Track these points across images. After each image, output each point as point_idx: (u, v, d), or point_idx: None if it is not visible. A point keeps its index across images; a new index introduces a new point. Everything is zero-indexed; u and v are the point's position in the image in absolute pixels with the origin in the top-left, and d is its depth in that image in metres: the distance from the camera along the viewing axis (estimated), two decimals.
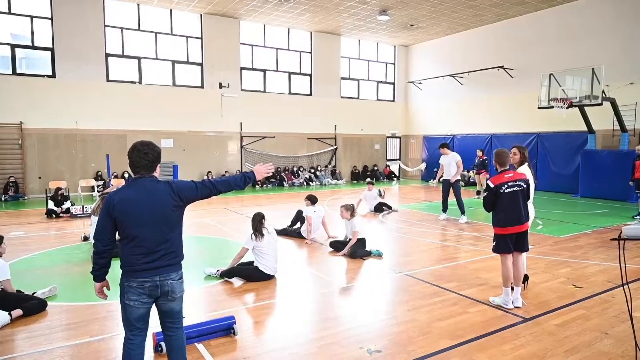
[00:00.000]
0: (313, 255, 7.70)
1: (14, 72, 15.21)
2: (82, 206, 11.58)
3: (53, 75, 15.74)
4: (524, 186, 4.85)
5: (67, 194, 12.35)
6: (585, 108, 14.21)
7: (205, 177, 10.38)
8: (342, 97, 22.08)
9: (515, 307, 4.87)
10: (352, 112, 22.21)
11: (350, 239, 7.53)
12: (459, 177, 10.64)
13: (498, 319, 4.59)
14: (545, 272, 5.99)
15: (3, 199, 14.50)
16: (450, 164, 10.60)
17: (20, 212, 12.68)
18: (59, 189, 11.95)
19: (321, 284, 6.07)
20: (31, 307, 5.01)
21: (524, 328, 4.36)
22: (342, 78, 22.05)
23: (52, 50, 15.66)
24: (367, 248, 7.51)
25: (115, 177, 15.51)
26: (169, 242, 3.08)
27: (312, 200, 8.91)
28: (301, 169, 20.82)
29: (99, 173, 16.40)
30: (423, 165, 22.65)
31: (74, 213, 11.37)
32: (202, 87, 18.53)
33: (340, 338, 4.23)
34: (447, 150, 10.88)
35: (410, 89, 23.88)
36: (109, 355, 3.94)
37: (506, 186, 4.78)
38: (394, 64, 23.78)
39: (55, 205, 11.56)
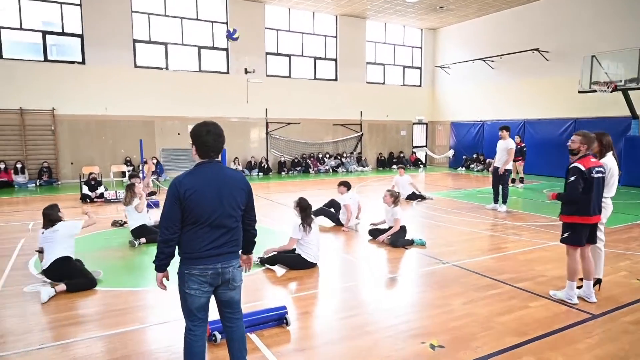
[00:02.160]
0: (352, 243, 7.54)
1: (45, 59, 15.32)
2: (116, 191, 11.65)
3: (83, 62, 15.80)
4: (605, 174, 4.53)
5: (100, 179, 12.43)
6: (630, 92, 13.55)
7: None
8: (367, 82, 21.68)
9: (591, 302, 4.58)
10: (377, 98, 21.82)
11: (391, 227, 7.32)
12: (509, 167, 9.95)
13: (564, 314, 4.35)
14: (605, 265, 5.69)
15: (38, 184, 14.73)
16: (503, 151, 9.84)
17: (54, 196, 12.83)
18: (91, 174, 12.03)
19: (365, 274, 5.91)
20: (79, 284, 5.10)
21: (595, 325, 4.12)
22: (367, 63, 21.62)
23: (81, 36, 15.69)
24: (408, 237, 7.31)
25: (145, 163, 15.58)
26: (234, 230, 3.00)
27: (347, 185, 8.72)
28: (327, 156, 20.61)
29: (128, 159, 16.51)
30: (451, 152, 22.19)
31: (108, 198, 11.45)
32: (227, 72, 18.40)
33: (397, 331, 4.06)
34: (506, 134, 9.94)
35: (438, 74, 23.29)
36: (159, 344, 3.86)
37: (595, 171, 4.38)
38: (421, 47, 23.19)
39: (89, 190, 11.66)
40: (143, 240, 7.17)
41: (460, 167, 21.28)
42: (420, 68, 23.31)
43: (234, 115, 18.59)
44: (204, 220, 2.86)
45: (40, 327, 4.22)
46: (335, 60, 20.79)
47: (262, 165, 18.74)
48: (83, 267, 5.47)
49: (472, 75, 21.22)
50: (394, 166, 21.69)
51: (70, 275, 5.19)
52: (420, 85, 23.40)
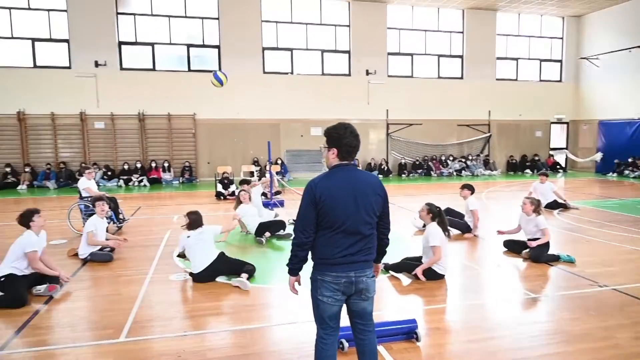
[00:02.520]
0: (481, 253, 6.91)
1: (189, 69, 17.06)
2: None
3: (219, 70, 17.21)
4: None
5: (232, 178, 13.38)
6: None
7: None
8: (497, 79, 20.07)
9: None
10: (508, 96, 20.08)
11: (535, 238, 6.49)
12: None
13: None
14: None
15: (181, 181, 16.46)
16: None
17: (193, 193, 14.20)
18: (224, 173, 13.00)
19: (502, 290, 5.31)
20: (251, 270, 5.58)
21: None
22: (497, 58, 20.03)
23: (218, 47, 17.14)
24: (551, 251, 6.44)
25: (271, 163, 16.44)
26: (368, 238, 2.83)
27: (471, 189, 8.09)
28: (450, 158, 19.58)
29: (256, 159, 17.58)
30: (599, 156, 19.43)
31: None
32: (349, 74, 18.54)
33: None
34: None
35: (583, 66, 20.60)
36: (287, 344, 3.85)
37: None
38: (562, 38, 20.75)
39: (222, 188, 12.62)
40: (267, 234, 7.47)
41: (611, 173, 18.50)
42: (560, 61, 20.88)
43: (354, 116, 18.61)
44: (338, 225, 2.73)
45: (182, 315, 4.53)
46: (462, 57, 19.64)
47: (382, 167, 18.49)
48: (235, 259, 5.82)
49: (626, 65, 18.33)
50: (527, 170, 19.79)
51: (230, 269, 5.54)
52: (560, 80, 20.96)
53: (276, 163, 17.28)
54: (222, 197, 12.41)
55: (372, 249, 2.88)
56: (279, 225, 7.95)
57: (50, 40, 15.85)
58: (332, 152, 2.86)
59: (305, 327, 4.17)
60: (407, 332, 4.00)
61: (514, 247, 6.81)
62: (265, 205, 10.84)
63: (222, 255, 5.68)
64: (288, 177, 17.06)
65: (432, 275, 5.52)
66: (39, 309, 4.67)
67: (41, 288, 4.98)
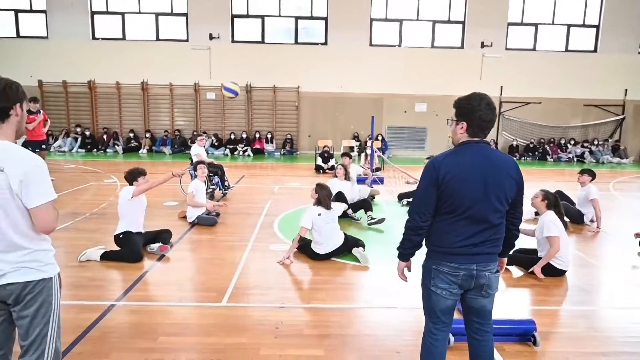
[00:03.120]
0: (609, 250, 5.97)
1: (296, 42, 17.17)
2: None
3: (325, 43, 17.11)
4: None
5: (332, 152, 13.32)
6: None
7: None
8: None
9: None
10: None
11: None
12: None
13: None
14: None
15: (282, 153, 16.89)
16: None
17: (294, 165, 14.46)
18: (325, 146, 12.97)
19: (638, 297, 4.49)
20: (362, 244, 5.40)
21: None
22: None
23: (326, 19, 16.95)
24: None
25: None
26: (496, 228, 2.44)
27: (592, 175, 7.18)
28: (571, 142, 17.48)
29: (356, 134, 17.33)
30: None
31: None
32: (461, 47, 17.23)
33: None
34: None
35: None
36: (385, 329, 3.59)
37: None
38: None
39: (322, 162, 12.63)
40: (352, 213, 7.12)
41: None
42: None
43: (463, 93, 17.14)
44: (462, 210, 2.36)
45: (280, 286, 4.51)
46: (597, 26, 17.14)
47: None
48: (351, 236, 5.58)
49: None
50: None
51: (349, 246, 5.35)
52: None
53: (377, 139, 16.86)
54: (321, 171, 12.43)
55: (499, 240, 2.47)
56: (362, 204, 7.23)
57: (172, 14, 16.94)
58: (460, 126, 2.47)
59: (407, 314, 3.89)
60: (522, 334, 3.54)
61: None
62: (363, 181, 10.60)
63: (346, 237, 5.37)
64: (388, 154, 16.59)
65: (551, 271, 4.85)
66: (152, 266, 4.98)
67: (154, 247, 5.31)
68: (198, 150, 8.63)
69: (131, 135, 16.85)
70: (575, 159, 16.89)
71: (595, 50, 17.28)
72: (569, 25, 17.19)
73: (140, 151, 16.26)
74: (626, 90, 17.39)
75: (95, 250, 5.11)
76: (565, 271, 4.90)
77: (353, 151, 16.06)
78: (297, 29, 17.10)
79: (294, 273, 4.91)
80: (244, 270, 4.87)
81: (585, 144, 17.39)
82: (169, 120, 17.38)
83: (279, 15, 17.01)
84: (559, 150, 17.31)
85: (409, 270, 2.69)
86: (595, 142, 17.39)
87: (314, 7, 16.94)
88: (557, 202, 5.08)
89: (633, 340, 3.64)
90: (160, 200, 8.28)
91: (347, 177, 7.52)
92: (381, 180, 10.89)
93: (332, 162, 12.64)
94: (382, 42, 17.20)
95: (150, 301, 4.14)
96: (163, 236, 5.59)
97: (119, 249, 5.21)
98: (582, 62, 17.13)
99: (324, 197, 5.30)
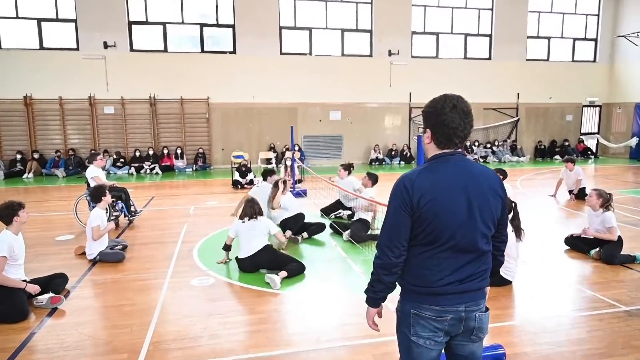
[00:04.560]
0: (539, 251, 6.05)
1: (202, 50, 16.19)
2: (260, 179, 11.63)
3: (234, 51, 16.35)
4: None
5: (250, 165, 12.60)
6: None
7: None
8: (527, 59, 18.89)
9: None
10: (539, 77, 18.90)
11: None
12: None
13: None
14: None
15: (194, 169, 15.73)
16: None
17: (208, 181, 13.46)
18: (242, 161, 12.22)
19: (583, 301, 4.47)
20: (294, 269, 5.06)
21: None
22: (528, 37, 18.80)
23: (233, 27, 16.21)
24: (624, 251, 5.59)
25: (289, 150, 15.61)
26: (485, 256, 2.03)
27: (504, 175, 7.44)
28: (475, 144, 18.59)
29: (272, 145, 16.76)
30: (634, 141, 18.28)
31: (257, 185, 11.47)
32: (370, 55, 17.51)
33: None
34: None
35: (619, 46, 19.28)
36: None
37: None
38: (598, 15, 19.41)
39: (240, 176, 11.86)
40: (305, 235, 6.63)
41: None
42: (595, 39, 19.57)
43: (375, 100, 17.68)
44: (445, 240, 1.91)
45: (210, 333, 3.76)
46: (490, 36, 18.47)
47: (405, 153, 17.57)
48: (286, 255, 5.42)
49: None
50: (557, 157, 18.73)
51: (277, 263, 5.11)
52: (594, 60, 19.69)
53: (294, 149, 16.43)
54: (239, 186, 11.65)
55: (488, 271, 2.06)
56: (298, 220, 6.72)
57: (57, 20, 15.05)
58: (426, 135, 2.04)
59: (367, 349, 3.39)
60: None
61: (580, 245, 5.95)
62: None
63: (269, 247, 5.24)
64: (306, 164, 16.23)
65: (498, 281, 4.70)
66: (40, 324, 3.94)
67: (43, 299, 4.25)
68: (95, 173, 7.41)
69: (18, 157, 14.57)
70: (480, 160, 17.94)
71: (490, 58, 18.59)
72: (466, 35, 18.32)
73: (24, 175, 14.08)
74: (518, 94, 18.93)
75: None
76: (511, 281, 4.79)
77: (271, 163, 15.51)
78: (202, 37, 16.13)
79: (223, 311, 4.19)
80: (162, 318, 4.05)
81: (487, 145, 18.59)
82: (60, 138, 15.35)
83: (182, 23, 15.92)
84: (466, 151, 18.29)
85: (380, 316, 2.19)
86: (496, 143, 18.67)
87: (220, 15, 16.13)
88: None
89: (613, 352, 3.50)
90: (50, 234, 7.00)
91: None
92: (304, 193, 10.43)
93: (250, 176, 11.93)
94: (293, 51, 16.88)
95: None
96: (55, 282, 4.56)
97: None
98: (479, 68, 18.32)
99: (249, 210, 5.32)
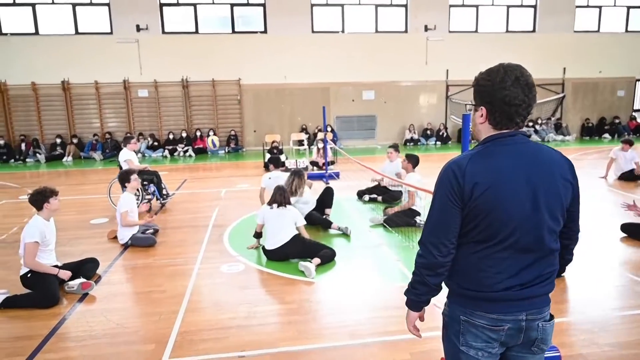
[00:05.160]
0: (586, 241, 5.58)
1: (233, 31, 15.98)
2: (296, 160, 11.44)
3: (265, 31, 16.05)
4: None
5: (281, 147, 12.43)
6: None
7: None
8: (575, 31, 17.66)
9: None
10: (588, 50, 17.67)
11: None
12: None
13: None
14: None
15: (226, 151, 15.73)
16: None
17: (240, 163, 13.41)
18: (274, 142, 12.04)
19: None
20: (327, 255, 4.85)
21: None
22: (577, 6, 17.53)
23: (264, 5, 15.88)
24: None
25: (322, 131, 15.29)
26: (552, 256, 1.71)
27: None
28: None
29: (304, 126, 16.51)
30: None
31: (289, 167, 11.30)
32: (405, 31, 16.82)
33: None
34: None
35: None
36: None
37: None
38: None
39: None
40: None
41: None
42: None
43: (410, 78, 17.03)
44: (504, 237, 1.61)
45: (238, 323, 3.61)
46: (535, 6, 17.33)
47: (441, 133, 16.93)
48: (315, 242, 5.12)
49: None
50: (606, 135, 17.60)
51: (308, 252, 4.84)
52: None
53: (326, 130, 16.14)
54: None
55: (554, 274, 1.74)
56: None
57: (91, 4, 15.17)
58: (480, 113, 1.71)
59: (405, 346, 3.15)
60: None
61: (638, 232, 5.44)
62: (319, 177, 9.86)
63: (297, 237, 4.99)
64: (339, 145, 15.92)
65: None
66: (71, 311, 3.91)
67: (74, 285, 4.22)
68: (128, 156, 7.40)
69: (58, 141, 14.98)
70: None
71: (534, 30, 17.49)
72: (508, 6, 17.26)
73: (64, 159, 14.48)
74: (564, 68, 17.79)
75: None
76: (563, 273, 4.39)
77: (303, 145, 15.30)
78: (233, 17, 15.91)
79: (253, 300, 4.03)
80: (191, 306, 3.93)
81: (530, 124, 17.65)
82: (97, 122, 15.66)
83: (213, 3, 15.73)
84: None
85: (422, 320, 1.92)
86: (539, 122, 17.69)
87: None
88: None
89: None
90: (85, 217, 7.07)
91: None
92: (337, 175, 10.17)
93: (282, 157, 11.74)
94: (325, 29, 16.41)
95: None
96: (87, 267, 4.53)
97: (28, 292, 4.10)
98: (522, 42, 17.28)
99: (279, 199, 5.09)
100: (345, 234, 5.85)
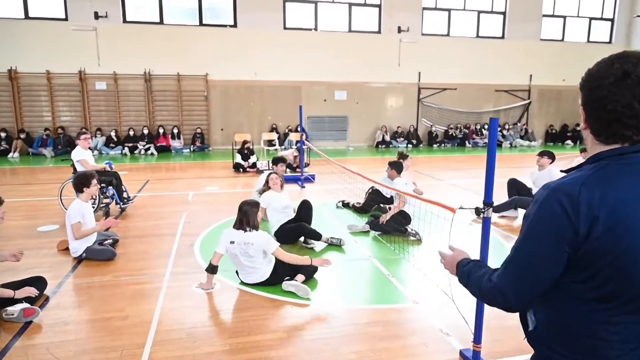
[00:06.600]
0: None
1: (201, 23, 15.17)
2: (268, 161, 10.85)
3: (234, 25, 15.34)
4: None
5: (252, 147, 11.81)
6: None
7: None
8: (541, 39, 18.00)
9: None
10: (553, 58, 18.05)
11: None
12: None
13: None
14: None
15: (191, 150, 14.90)
16: None
17: (207, 163, 12.68)
18: (245, 142, 11.41)
19: None
20: (310, 271, 4.30)
21: None
22: (544, 15, 17.88)
23: None
24: None
25: (297, 132, 14.72)
26: None
27: (552, 157, 6.68)
28: (485, 127, 17.81)
29: (274, 125, 15.93)
30: None
31: (260, 168, 10.71)
32: (378, 32, 16.57)
33: None
34: None
35: (636, 26, 18.42)
36: None
37: None
38: None
39: (242, 159, 11.06)
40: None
41: None
42: (612, 19, 18.67)
43: (383, 80, 16.82)
44: (636, 294, 1.16)
45: (217, 358, 3.06)
46: (504, 13, 17.52)
47: (410, 135, 16.78)
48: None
49: None
50: (568, 142, 18.06)
51: (290, 271, 4.20)
52: (610, 42, 18.80)
53: (297, 130, 15.63)
54: (241, 170, 10.87)
55: None
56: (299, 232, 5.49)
57: None
58: (583, 117, 1.28)
59: None
60: None
61: None
62: (295, 180, 9.34)
63: (277, 266, 4.19)
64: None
65: None
66: (7, 347, 3.21)
67: (14, 311, 3.50)
68: (82, 155, 6.58)
69: (2, 135, 13.67)
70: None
71: (503, 37, 17.68)
72: (479, 12, 17.36)
73: (10, 155, 13.23)
74: (531, 75, 18.10)
75: None
76: None
77: (272, 146, 14.72)
78: (201, 9, 15.12)
79: (233, 330, 3.47)
80: (159, 338, 3.32)
81: (499, 129, 17.81)
82: (49, 115, 14.45)
83: None
84: (475, 135, 17.54)
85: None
86: (507, 127, 17.91)
87: None
88: None
89: None
90: (32, 223, 6.24)
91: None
92: (313, 178, 9.68)
93: (253, 158, 11.14)
94: (297, 26, 15.90)
95: None
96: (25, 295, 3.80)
97: None
98: (491, 47, 17.45)
99: (240, 217, 4.12)
100: (334, 245, 5.35)
